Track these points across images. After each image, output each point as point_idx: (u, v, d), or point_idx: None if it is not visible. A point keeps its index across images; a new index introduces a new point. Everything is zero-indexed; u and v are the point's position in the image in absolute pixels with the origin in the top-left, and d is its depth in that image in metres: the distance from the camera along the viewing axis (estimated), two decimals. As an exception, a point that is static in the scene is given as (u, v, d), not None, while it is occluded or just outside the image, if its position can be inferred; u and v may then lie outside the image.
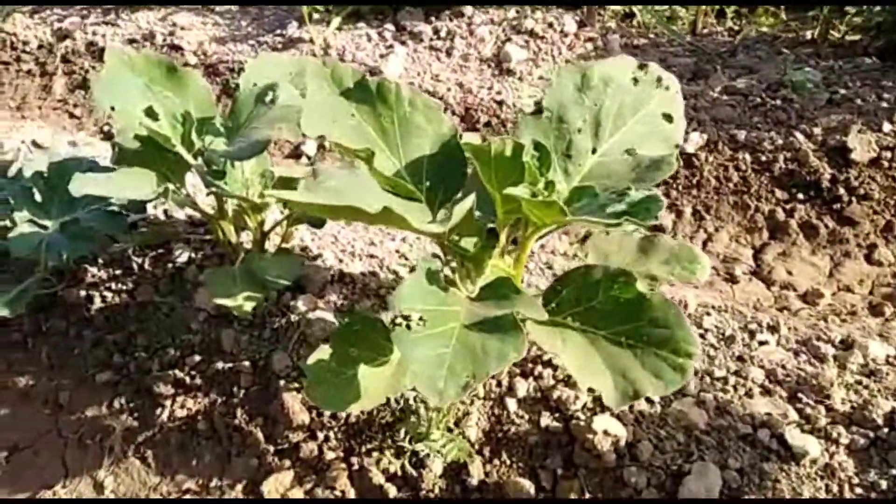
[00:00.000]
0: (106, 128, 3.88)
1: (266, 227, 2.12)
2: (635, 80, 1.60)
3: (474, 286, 1.52)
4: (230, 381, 2.01)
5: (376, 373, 1.44)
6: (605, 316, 1.38)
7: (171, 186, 1.67)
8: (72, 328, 2.31)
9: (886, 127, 2.71)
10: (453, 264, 1.58)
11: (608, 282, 1.38)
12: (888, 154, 2.63)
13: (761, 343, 1.92)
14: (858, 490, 1.49)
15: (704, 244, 2.71)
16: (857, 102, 2.86)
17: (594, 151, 1.58)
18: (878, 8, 3.22)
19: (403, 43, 3.86)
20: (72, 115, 4.19)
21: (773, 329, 1.99)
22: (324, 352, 1.45)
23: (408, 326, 1.27)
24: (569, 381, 1.78)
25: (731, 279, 2.56)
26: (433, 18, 4.00)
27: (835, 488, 1.50)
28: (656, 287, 1.54)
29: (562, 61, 3.62)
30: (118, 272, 2.39)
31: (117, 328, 2.26)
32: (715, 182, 2.80)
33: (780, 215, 2.67)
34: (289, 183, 2.08)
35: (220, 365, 2.04)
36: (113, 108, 1.72)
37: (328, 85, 1.54)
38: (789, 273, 2.56)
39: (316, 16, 4.10)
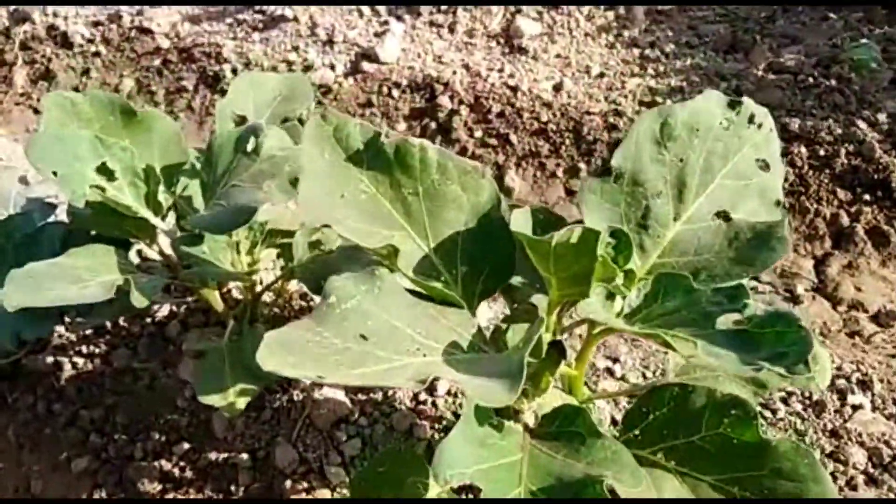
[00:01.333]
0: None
1: (258, 288, 1.77)
2: (727, 124, 1.24)
3: (530, 405, 1.19)
4: (226, 476, 1.70)
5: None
6: (712, 458, 1.06)
7: (131, 278, 1.31)
8: (40, 402, 1.98)
9: (964, 112, 2.35)
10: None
11: (716, 413, 1.06)
12: (969, 145, 2.28)
13: (854, 408, 1.62)
14: None
15: (758, 256, 2.38)
16: (929, 81, 2.49)
17: (676, 218, 1.23)
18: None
19: (400, 18, 3.42)
20: (36, 111, 3.76)
21: (865, 387, 1.68)
22: (344, 510, 1.13)
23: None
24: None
25: (793, 298, 2.25)
26: (431, -13, 3.55)
27: None
28: (764, 396, 1.22)
29: (580, 35, 3.20)
30: (89, 332, 2.05)
31: (92, 402, 1.94)
32: (767, 181, 2.45)
33: (845, 220, 2.34)
34: (285, 234, 1.73)
35: (212, 455, 1.72)
36: (55, 174, 1.35)
37: (331, 149, 1.17)
38: (858, 289, 2.24)
39: (298, -12, 3.64)
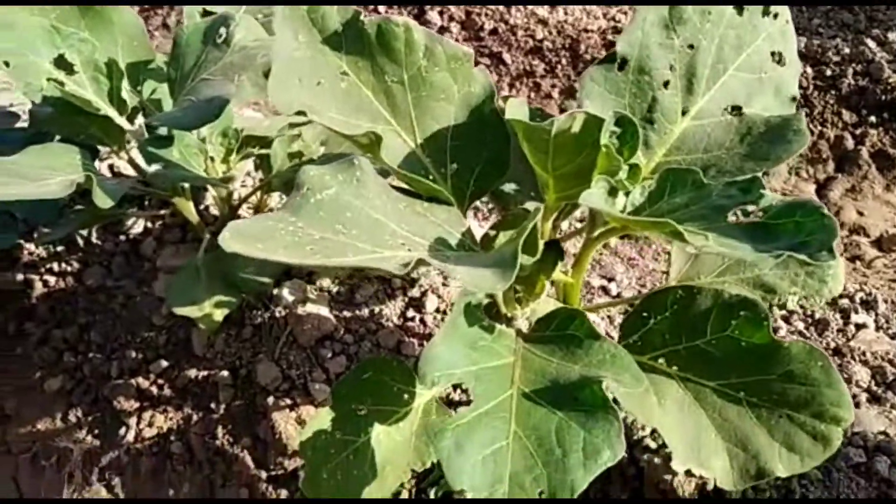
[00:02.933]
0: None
1: (235, 199, 1.67)
2: (740, 9, 1.13)
3: (523, 311, 1.12)
4: (206, 393, 1.64)
5: (396, 434, 1.06)
6: (718, 363, 0.99)
7: (94, 173, 1.21)
8: (11, 322, 1.90)
9: (980, 29, 2.24)
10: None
11: (723, 314, 0.99)
12: (981, 64, 2.18)
13: (858, 327, 1.57)
14: None
15: (758, 179, 2.30)
16: (944, -3, 2.37)
17: (685, 112, 1.14)
18: None
19: None
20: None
21: (869, 306, 1.63)
22: (322, 418, 1.06)
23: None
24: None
25: (793, 223, 2.17)
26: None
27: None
28: (772, 302, 1.15)
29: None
30: (60, 248, 1.95)
31: (65, 321, 1.86)
32: (771, 102, 2.35)
33: (849, 142, 2.25)
34: (262, 142, 1.62)
35: (192, 373, 1.66)
36: (7, 64, 1.23)
37: (306, 31, 1.06)
38: (860, 213, 2.17)
39: None
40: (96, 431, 1.72)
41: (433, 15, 2.79)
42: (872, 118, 2.25)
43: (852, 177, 2.22)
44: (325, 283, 1.69)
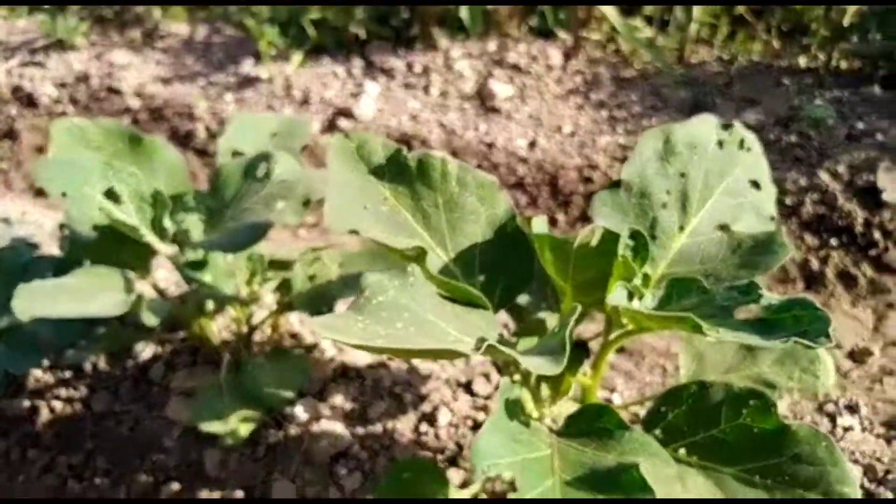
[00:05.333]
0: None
1: (256, 320, 1.76)
2: (720, 143, 1.33)
3: (550, 410, 1.20)
4: (221, 514, 1.63)
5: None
6: (733, 449, 1.09)
7: (143, 293, 1.30)
8: (14, 449, 1.88)
9: (912, 163, 2.54)
10: (515, 377, 1.27)
11: (734, 405, 1.09)
12: (919, 193, 2.45)
13: (846, 429, 1.67)
14: None
15: (733, 298, 2.47)
16: (878, 137, 2.69)
17: (681, 229, 1.30)
18: (878, 35, 3.08)
19: (374, 79, 3.55)
20: (-2, 170, 3.71)
21: (852, 409, 1.74)
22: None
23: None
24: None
25: (770, 338, 2.32)
26: (404, 52, 3.71)
27: None
28: (774, 397, 1.26)
29: (550, 97, 3.37)
30: (67, 375, 1.97)
31: (71, 447, 1.85)
32: (737, 228, 2.57)
33: (814, 264, 2.46)
34: (283, 266, 1.73)
35: (204, 494, 1.65)
36: (65, 195, 1.35)
37: (354, 163, 1.21)
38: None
39: (273, 51, 3.75)
40: (101, 562, 1.68)
41: (423, 154, 3.03)
42: (833, 241, 2.47)
43: (820, 295, 2.41)
44: (338, 400, 1.75)
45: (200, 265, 1.52)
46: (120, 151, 1.50)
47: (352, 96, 3.44)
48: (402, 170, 1.23)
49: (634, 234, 1.13)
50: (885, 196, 2.46)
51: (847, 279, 2.40)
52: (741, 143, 1.37)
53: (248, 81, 3.70)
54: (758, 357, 1.34)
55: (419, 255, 1.11)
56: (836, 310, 2.36)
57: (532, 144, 3.04)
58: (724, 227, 1.30)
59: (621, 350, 2.01)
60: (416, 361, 1.90)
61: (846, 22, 3.26)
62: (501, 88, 3.35)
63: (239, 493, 1.62)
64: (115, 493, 1.72)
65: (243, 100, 3.62)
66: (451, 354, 0.87)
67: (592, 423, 1.10)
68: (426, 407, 1.74)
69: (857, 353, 2.24)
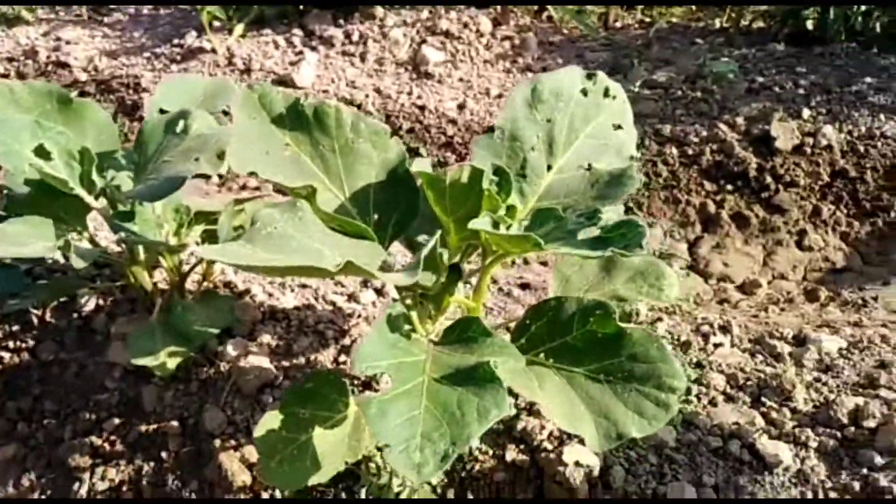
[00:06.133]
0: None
1: (185, 267, 1.91)
2: (584, 92, 1.51)
3: (434, 327, 1.39)
4: (157, 444, 1.80)
5: (332, 435, 1.29)
6: (581, 352, 1.28)
7: (72, 237, 1.45)
8: (-36, 397, 2.02)
9: (805, 113, 2.77)
10: (408, 301, 1.45)
11: (583, 315, 1.29)
12: (810, 140, 2.69)
13: (716, 346, 1.90)
14: (833, 494, 1.47)
15: (641, 242, 2.69)
16: (776, 90, 2.91)
17: (549, 169, 1.48)
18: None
19: (314, 49, 3.66)
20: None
21: (725, 329, 1.97)
22: (273, 418, 1.28)
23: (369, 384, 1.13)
24: (532, 410, 1.69)
25: (672, 276, 2.55)
26: (342, 22, 3.82)
27: (810, 494, 1.48)
28: (626, 308, 1.46)
29: (480, 62, 3.52)
30: (15, 328, 2.10)
31: (19, 393, 1.99)
32: (645, 178, 2.79)
33: (711, 208, 2.68)
34: (209, 218, 1.88)
35: (143, 427, 1.82)
36: (-5, 151, 1.48)
37: (257, 112, 1.37)
38: (725, 265, 2.57)
39: (216, 23, 3.83)
40: (49, 492, 1.84)
41: (357, 117, 3.17)
42: (729, 186, 2.70)
43: (716, 235, 2.64)
44: (266, 338, 1.92)
45: (128, 216, 1.66)
46: (49, 112, 1.63)
47: (291, 65, 3.55)
48: (301, 118, 1.38)
49: (497, 171, 1.31)
50: (778, 143, 2.68)
51: (740, 220, 2.63)
52: (606, 92, 1.55)
53: (192, 53, 3.78)
54: (614, 277, 1.54)
55: (311, 194, 1.27)
56: (730, 248, 2.59)
57: (461, 106, 3.20)
58: (587, 166, 1.49)
59: (526, 286, 2.21)
60: (340, 301, 2.07)
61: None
62: (434, 54, 3.49)
63: (174, 424, 1.79)
64: (61, 432, 1.87)
65: (187, 70, 3.70)
66: (317, 272, 1.04)
67: (463, 332, 1.29)
68: (346, 341, 1.92)
69: (747, 284, 2.48)
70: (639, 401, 1.23)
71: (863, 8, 3.02)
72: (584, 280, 1.54)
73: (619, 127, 1.55)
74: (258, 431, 1.27)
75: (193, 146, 1.58)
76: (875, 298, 2.36)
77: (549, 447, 1.59)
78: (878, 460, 1.50)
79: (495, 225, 1.32)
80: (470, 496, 1.60)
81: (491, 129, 1.45)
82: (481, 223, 1.23)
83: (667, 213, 2.74)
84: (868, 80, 2.86)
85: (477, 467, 1.62)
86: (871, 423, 1.57)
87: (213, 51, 3.68)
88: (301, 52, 3.61)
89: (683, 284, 2.54)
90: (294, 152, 1.38)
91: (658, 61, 3.43)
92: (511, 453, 1.61)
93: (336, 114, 1.37)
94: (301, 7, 3.85)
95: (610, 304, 1.27)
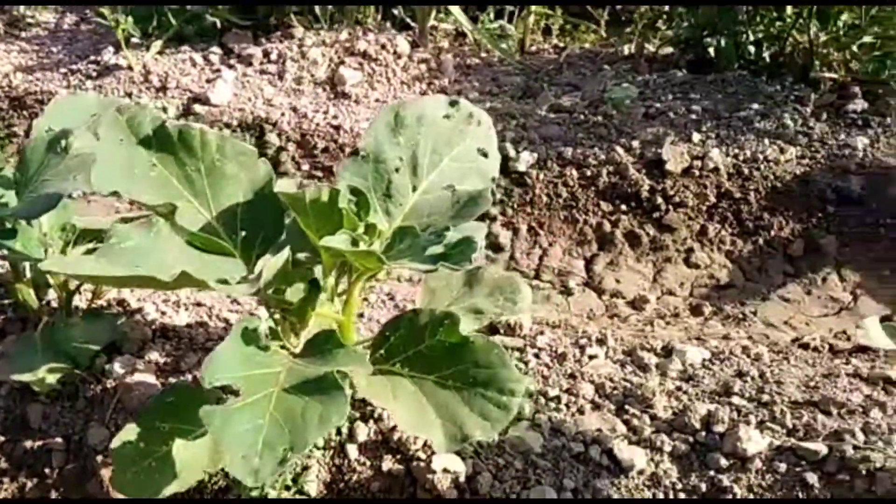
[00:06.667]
0: None
1: (73, 284, 1.92)
2: (447, 117, 1.60)
3: (299, 340, 1.45)
4: (41, 461, 1.80)
5: (194, 447, 1.33)
6: (432, 361, 1.36)
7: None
8: None
9: (696, 137, 2.93)
10: (277, 316, 1.51)
11: (434, 325, 1.37)
12: (698, 163, 2.85)
13: (591, 357, 2.00)
14: (682, 495, 1.58)
15: (540, 259, 2.81)
16: (670, 115, 3.08)
17: (415, 189, 1.56)
18: (685, 24, 3.48)
19: (231, 67, 3.69)
20: None
21: (601, 342, 2.07)
22: (130, 431, 1.32)
23: (225, 396, 1.18)
24: (411, 420, 1.76)
25: (566, 291, 2.67)
26: (262, 41, 3.87)
27: (661, 496, 1.58)
28: (483, 321, 1.55)
29: (397, 83, 3.62)
30: None
31: None
32: (546, 199, 2.91)
33: (607, 227, 2.81)
34: (97, 235, 1.90)
35: (28, 444, 1.82)
36: None
37: (124, 134, 1.41)
38: (617, 281, 2.70)
39: (135, 40, 3.83)
40: (-70, 511, 1.81)
41: (272, 137, 3.22)
42: (623, 207, 2.84)
43: (611, 253, 2.77)
44: (154, 356, 1.94)
45: (9, 234, 1.68)
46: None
47: (208, 82, 3.58)
48: (167, 140, 1.44)
49: (354, 191, 1.39)
50: (669, 166, 2.84)
51: (633, 239, 2.77)
52: (470, 117, 1.65)
53: (109, 69, 3.77)
54: (475, 291, 1.63)
55: (170, 212, 1.32)
56: (623, 265, 2.72)
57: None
58: (450, 187, 1.58)
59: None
60: (233, 319, 2.10)
61: (661, 14, 3.66)
62: (351, 75, 3.57)
63: (59, 441, 1.80)
64: (-56, 449, 1.86)
65: (103, 87, 3.69)
66: (154, 283, 1.09)
67: (321, 345, 1.35)
68: (236, 357, 1.96)
69: (637, 300, 2.61)
70: (483, 404, 1.32)
71: (752, 38, 3.22)
72: (448, 294, 1.63)
73: (484, 153, 1.65)
74: (115, 443, 1.30)
75: (72, 165, 1.61)
76: (754, 313, 2.51)
77: (423, 456, 1.65)
78: (724, 462, 1.61)
79: (354, 242, 1.39)
80: (346, 505, 1.66)
81: (355, 152, 1.53)
82: (332, 241, 1.30)
83: (566, 231, 2.86)
84: (755, 106, 3.05)
85: (355, 478, 1.67)
86: (721, 428, 1.69)
87: (130, 68, 3.68)
88: (218, 70, 3.64)
89: (578, 301, 2.66)
90: (161, 173, 1.43)
91: (567, 86, 3.57)
92: (387, 463, 1.67)
93: (201, 136, 1.43)
94: (221, 25, 3.89)
95: (456, 314, 1.35)
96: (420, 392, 1.35)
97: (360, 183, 1.51)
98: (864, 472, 1.53)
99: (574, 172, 2.93)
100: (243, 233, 1.47)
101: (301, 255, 1.63)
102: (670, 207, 2.80)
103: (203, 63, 3.73)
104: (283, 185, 1.42)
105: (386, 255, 1.30)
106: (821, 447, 1.59)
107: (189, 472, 1.32)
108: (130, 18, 3.69)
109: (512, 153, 3.00)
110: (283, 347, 1.41)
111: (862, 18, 3.00)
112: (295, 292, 1.42)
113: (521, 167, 2.97)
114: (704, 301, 2.58)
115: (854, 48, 3.13)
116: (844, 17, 3.11)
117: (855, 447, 1.59)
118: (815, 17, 3.07)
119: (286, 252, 1.28)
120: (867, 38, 3.09)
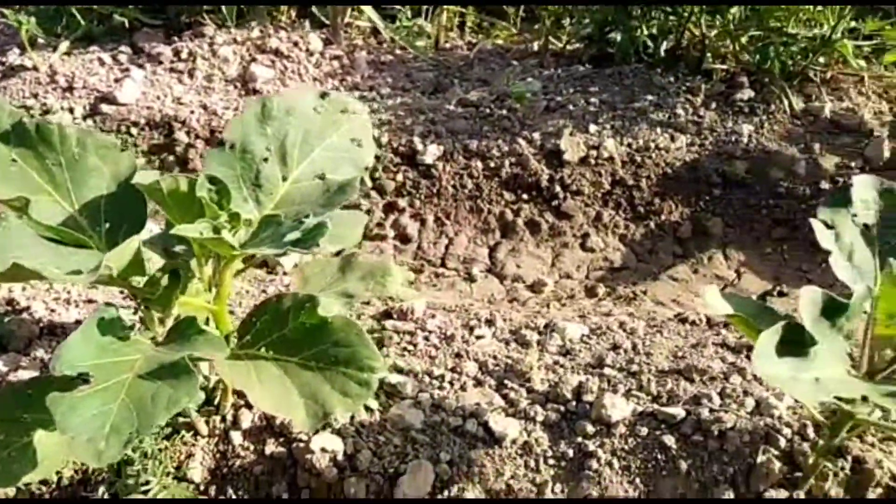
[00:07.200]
0: None
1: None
2: (318, 108, 1.65)
3: (162, 327, 1.47)
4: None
5: (55, 436, 1.35)
6: (296, 343, 1.40)
7: None
8: None
9: (592, 128, 3.04)
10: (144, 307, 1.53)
11: (297, 309, 1.41)
12: (594, 152, 2.96)
13: (478, 337, 2.07)
14: (551, 461, 1.66)
15: (446, 248, 2.88)
16: (570, 108, 3.18)
17: (285, 179, 1.60)
18: (587, 20, 3.60)
19: (141, 66, 3.65)
20: None
21: (490, 322, 2.15)
22: (-10, 423, 1.33)
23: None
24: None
25: (470, 278, 2.74)
26: (174, 39, 3.84)
27: (532, 463, 1.66)
28: (354, 304, 1.60)
29: (309, 80, 3.64)
30: None
31: None
32: (452, 190, 2.98)
33: (509, 216, 2.90)
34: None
35: None
36: None
37: (-17, 130, 1.41)
38: (518, 267, 2.79)
39: (41, 40, 3.76)
40: None
41: (181, 135, 3.20)
42: (525, 196, 2.93)
43: (512, 240, 2.86)
44: (40, 353, 1.93)
45: None
46: None
47: (116, 81, 3.53)
48: (25, 135, 1.44)
49: (213, 180, 1.42)
50: (566, 156, 2.94)
51: (533, 226, 2.86)
52: (344, 109, 1.70)
53: (14, 70, 3.68)
54: (348, 277, 1.68)
55: (24, 206, 1.33)
56: (524, 251, 2.81)
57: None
58: (322, 177, 1.62)
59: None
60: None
61: (566, 11, 3.77)
62: (263, 72, 3.57)
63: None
64: None
65: (7, 88, 3.61)
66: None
67: (181, 332, 1.38)
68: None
69: (536, 284, 2.70)
70: (344, 382, 1.36)
71: (646, 32, 3.35)
72: (322, 280, 1.68)
73: (359, 142, 1.70)
74: (-29, 435, 1.31)
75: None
76: (644, 292, 2.63)
77: (304, 438, 1.70)
78: (591, 429, 1.70)
79: (216, 230, 1.42)
80: (230, 490, 1.69)
81: (222, 143, 1.56)
82: (184, 229, 1.33)
83: (471, 221, 2.93)
84: (649, 97, 3.18)
85: (238, 463, 1.70)
86: (590, 398, 1.78)
87: (35, 68, 3.61)
88: (127, 70, 3.59)
89: (481, 287, 2.74)
90: (21, 168, 1.43)
91: (477, 81, 3.65)
92: (270, 447, 1.71)
93: (59, 130, 1.44)
94: (131, 25, 3.84)
95: (316, 297, 1.39)
96: (284, 374, 1.39)
97: (226, 173, 1.54)
98: (716, 432, 1.64)
99: (479, 164, 3.01)
100: (107, 224, 1.49)
101: (178, 248, 1.66)
102: (568, 195, 2.90)
103: (112, 63, 3.68)
104: (143, 177, 1.44)
105: (250, 242, 1.34)
106: (679, 411, 1.69)
107: (50, 462, 1.34)
108: (33, 19, 3.61)
109: (420, 146, 3.07)
110: (152, 338, 1.43)
111: (740, 13, 3.15)
112: (158, 282, 1.45)
113: (428, 160, 3.03)
114: (599, 283, 2.68)
115: (743, 40, 3.29)
116: (734, 10, 3.27)
117: (711, 410, 1.70)
118: (705, 11, 3.21)
119: (134, 242, 1.30)
120: (754, 31, 3.25)
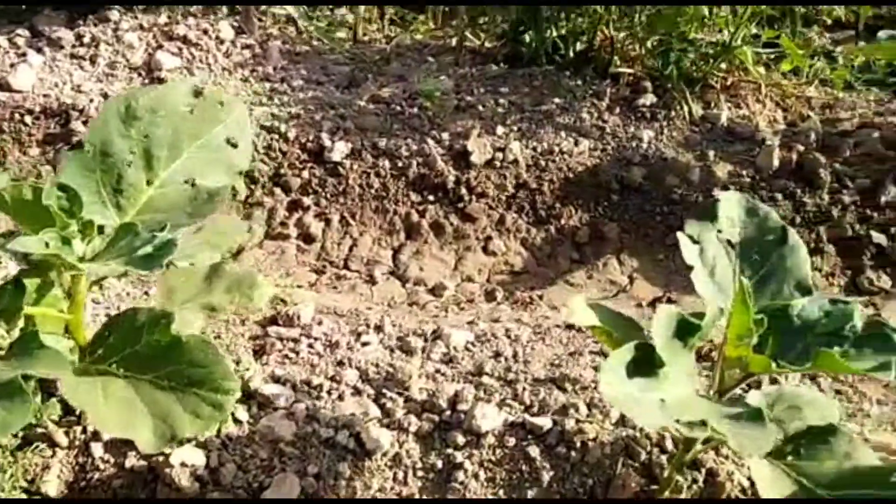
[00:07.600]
0: None
1: None
2: (191, 106, 1.60)
3: (10, 340, 1.41)
4: None
5: None
6: (148, 360, 1.37)
7: None
8: None
9: (500, 130, 3.06)
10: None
11: (151, 325, 1.37)
12: (500, 155, 2.98)
13: (364, 344, 2.06)
14: (420, 473, 1.67)
15: (350, 249, 2.85)
16: (480, 108, 3.19)
17: (149, 184, 1.55)
18: (500, 18, 3.60)
19: (40, 50, 3.48)
20: None
21: (379, 328, 2.15)
22: None
23: None
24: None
25: (372, 281, 2.73)
26: (78, 23, 3.67)
27: (400, 475, 1.67)
28: (219, 317, 1.57)
29: (218, 69, 3.54)
30: None
31: None
32: (359, 189, 2.95)
33: (414, 217, 2.90)
34: None
35: None
36: None
37: None
38: (421, 269, 2.79)
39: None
40: None
41: (78, 125, 3.06)
42: (431, 197, 2.93)
43: (417, 242, 2.85)
44: None
45: None
46: None
47: (11, 67, 3.36)
48: None
49: (62, 187, 1.36)
50: (473, 158, 2.95)
51: (438, 228, 2.87)
52: (221, 105, 1.64)
53: None
54: (214, 288, 1.65)
55: None
56: (427, 254, 2.82)
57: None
58: (191, 182, 1.58)
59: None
60: None
61: (482, 9, 3.77)
62: (169, 60, 3.46)
63: None
64: None
65: None
66: None
67: (24, 346, 1.33)
68: None
69: (437, 288, 2.70)
70: (196, 403, 1.34)
71: (555, 33, 3.38)
72: (187, 292, 1.64)
73: (234, 144, 1.65)
74: None
75: None
76: (541, 297, 2.67)
77: (167, 450, 1.66)
78: (461, 440, 1.72)
79: (66, 241, 1.37)
80: (91, 505, 1.64)
81: (80, 145, 1.50)
82: (18, 245, 1.28)
83: (377, 222, 2.92)
84: (556, 100, 3.21)
85: (97, 476, 1.65)
86: (465, 407, 1.79)
87: (-79, 49, 3.39)
88: (24, 54, 3.42)
89: (382, 289, 2.73)
90: None
91: (393, 77, 3.62)
92: (131, 460, 1.67)
93: None
94: (30, 6, 3.66)
95: (170, 312, 1.36)
96: (136, 393, 1.35)
97: (85, 177, 1.48)
98: (578, 444, 1.68)
99: (387, 163, 2.99)
100: (-46, 231, 1.41)
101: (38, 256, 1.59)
102: (473, 198, 2.91)
103: (8, 46, 3.50)
104: (-8, 183, 1.37)
105: (100, 255, 1.29)
106: (547, 422, 1.73)
107: None
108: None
109: (328, 143, 3.03)
110: (-5, 350, 1.37)
111: (638, 15, 3.19)
112: (3, 292, 1.38)
113: (336, 157, 3.00)
114: (498, 287, 2.71)
115: (648, 44, 3.35)
116: (640, 11, 3.30)
117: (577, 420, 1.74)
118: (614, 14, 3.25)
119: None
120: (660, 35, 3.31)
